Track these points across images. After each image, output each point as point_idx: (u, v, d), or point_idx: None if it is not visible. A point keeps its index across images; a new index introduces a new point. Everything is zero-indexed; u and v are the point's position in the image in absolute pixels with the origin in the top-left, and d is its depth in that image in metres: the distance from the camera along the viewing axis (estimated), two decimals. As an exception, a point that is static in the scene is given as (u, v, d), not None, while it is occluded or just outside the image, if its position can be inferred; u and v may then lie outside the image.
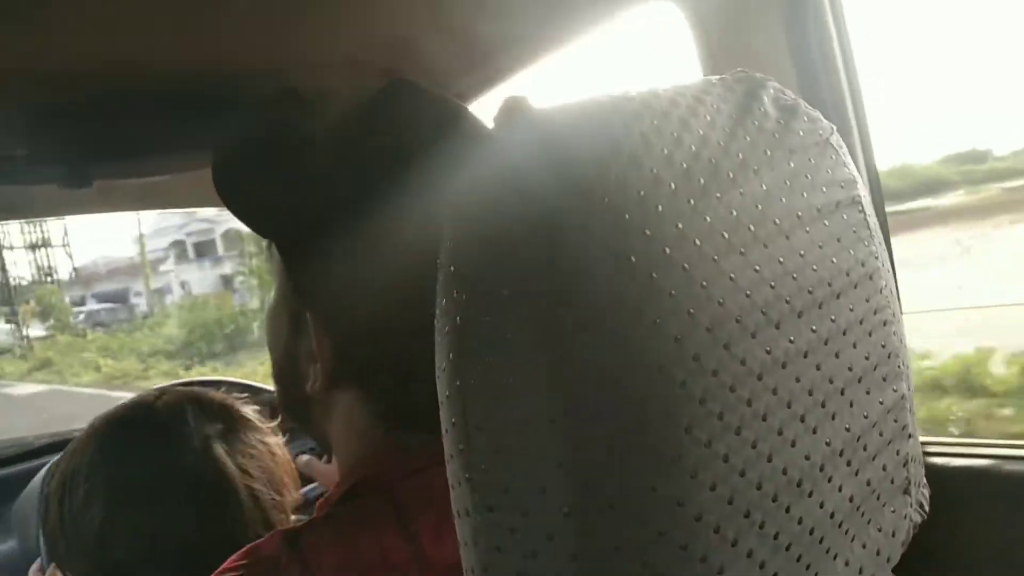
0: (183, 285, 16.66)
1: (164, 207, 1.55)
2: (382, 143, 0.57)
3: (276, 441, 0.81)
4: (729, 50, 0.72)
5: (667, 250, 0.29)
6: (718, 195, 0.31)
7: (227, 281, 15.55)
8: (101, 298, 17.48)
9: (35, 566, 1.21)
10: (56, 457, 1.55)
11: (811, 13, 0.71)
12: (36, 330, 15.38)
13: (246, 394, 0.90)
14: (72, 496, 0.73)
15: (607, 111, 0.31)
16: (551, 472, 0.29)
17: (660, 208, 0.29)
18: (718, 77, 0.37)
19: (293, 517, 0.81)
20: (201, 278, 16.42)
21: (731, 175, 0.32)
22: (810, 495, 0.35)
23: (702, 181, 0.31)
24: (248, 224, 0.62)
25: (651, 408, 0.29)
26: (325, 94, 0.94)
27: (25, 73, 0.77)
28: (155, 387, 0.90)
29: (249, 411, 0.84)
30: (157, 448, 0.74)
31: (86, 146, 0.84)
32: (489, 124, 0.61)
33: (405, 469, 0.55)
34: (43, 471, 1.48)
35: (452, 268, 0.32)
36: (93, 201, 1.15)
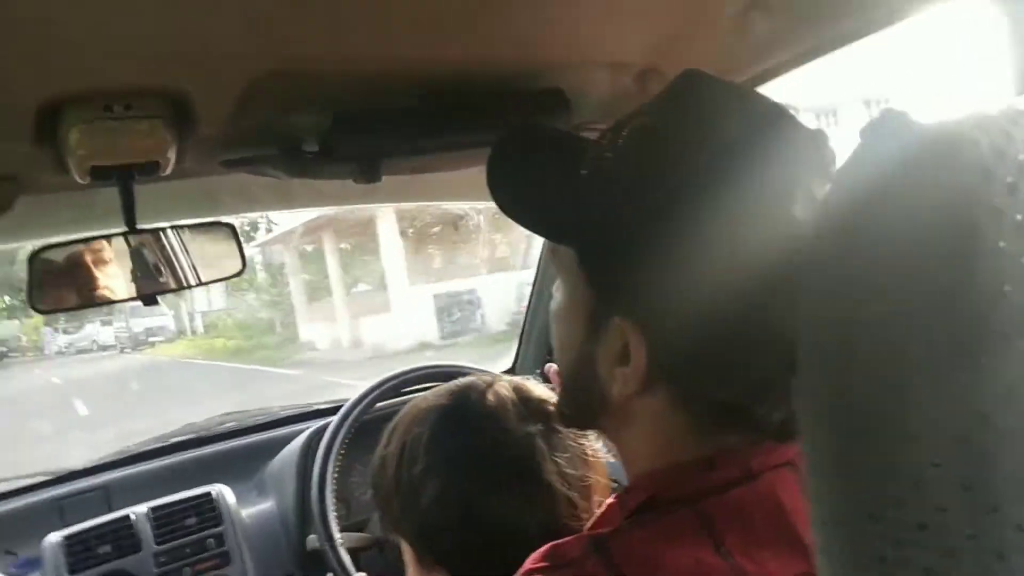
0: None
1: (443, 199, 1.65)
2: (687, 139, 0.55)
3: (590, 443, 0.84)
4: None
5: None
6: None
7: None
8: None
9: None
10: (298, 427, 1.70)
11: None
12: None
13: None
14: (411, 465, 0.81)
15: (982, 118, 0.30)
16: (954, 494, 0.28)
17: None
18: None
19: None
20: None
21: None
22: None
23: None
24: (543, 234, 0.62)
25: None
26: (588, 93, 0.97)
27: (330, 77, 0.85)
28: (482, 375, 0.94)
29: None
30: (487, 437, 0.81)
31: (376, 144, 0.92)
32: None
33: (713, 483, 0.54)
34: (302, 437, 1.63)
35: (836, 274, 0.32)
36: (380, 193, 1.25)
